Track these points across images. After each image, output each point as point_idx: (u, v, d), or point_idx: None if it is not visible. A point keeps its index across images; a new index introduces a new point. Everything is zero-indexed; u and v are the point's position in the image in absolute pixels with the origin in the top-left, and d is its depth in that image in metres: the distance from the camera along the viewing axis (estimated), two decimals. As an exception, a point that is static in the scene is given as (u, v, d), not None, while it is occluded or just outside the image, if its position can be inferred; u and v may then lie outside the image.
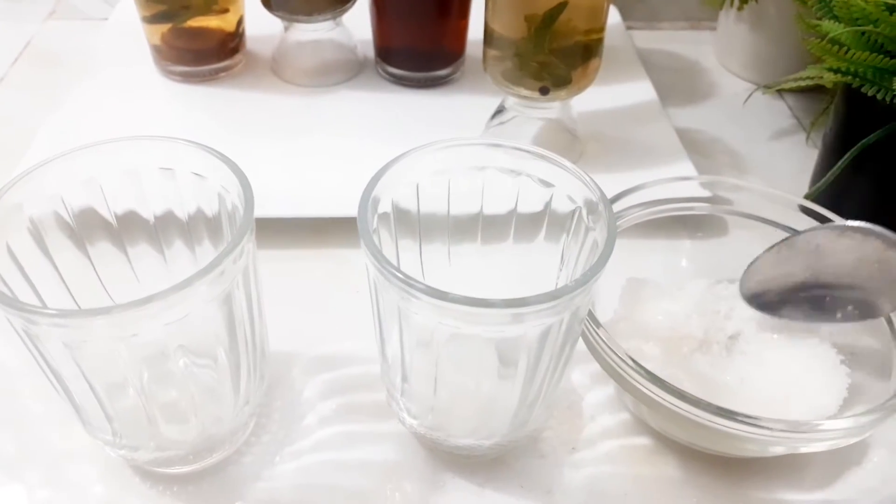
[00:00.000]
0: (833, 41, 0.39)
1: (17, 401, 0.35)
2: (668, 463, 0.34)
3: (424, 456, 0.33)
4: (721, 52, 0.61)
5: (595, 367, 0.34)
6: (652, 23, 0.66)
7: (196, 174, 0.31)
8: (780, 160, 0.51)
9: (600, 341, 0.32)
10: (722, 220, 0.41)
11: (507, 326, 0.26)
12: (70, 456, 0.33)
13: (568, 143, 0.48)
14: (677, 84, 0.58)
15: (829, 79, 0.39)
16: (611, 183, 0.31)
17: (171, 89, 0.54)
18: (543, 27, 0.42)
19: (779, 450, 0.31)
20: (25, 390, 0.35)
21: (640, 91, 0.54)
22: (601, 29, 0.44)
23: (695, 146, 0.51)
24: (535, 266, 0.34)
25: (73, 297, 0.31)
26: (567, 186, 0.31)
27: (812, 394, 0.34)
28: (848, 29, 0.38)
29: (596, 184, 0.29)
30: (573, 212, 0.31)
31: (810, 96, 0.55)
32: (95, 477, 0.32)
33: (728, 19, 0.58)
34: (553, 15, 0.41)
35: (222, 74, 0.55)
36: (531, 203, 0.33)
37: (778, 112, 0.56)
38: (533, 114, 0.47)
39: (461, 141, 0.32)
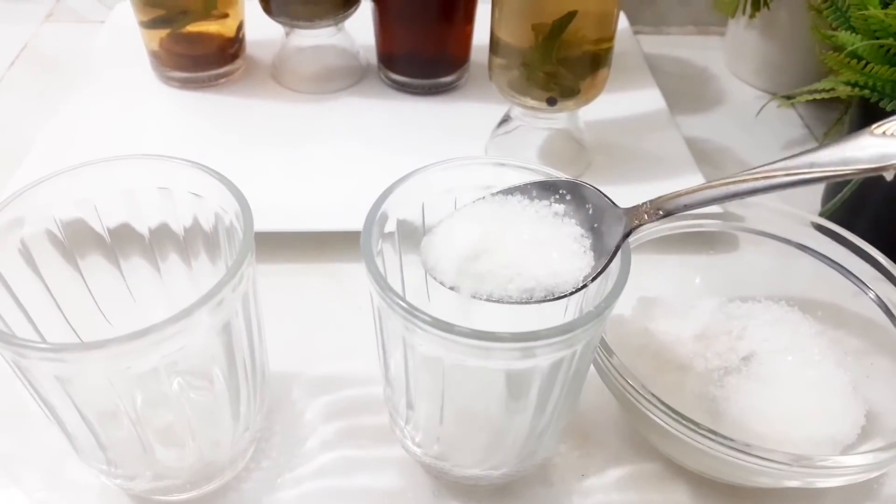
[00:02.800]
0: (851, 54, 0.37)
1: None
2: (678, 490, 0.33)
3: (429, 483, 0.32)
4: (730, 58, 0.60)
5: (603, 390, 0.33)
6: (660, 28, 0.64)
7: (193, 194, 0.30)
8: (792, 171, 0.50)
9: (612, 369, 0.31)
10: (733, 237, 0.40)
11: (517, 361, 0.25)
12: (65, 485, 0.32)
13: (575, 153, 0.47)
14: (685, 91, 0.57)
15: (844, 92, 0.38)
16: (620, 195, 0.30)
17: (170, 96, 0.53)
18: (552, 37, 0.41)
19: (793, 483, 0.30)
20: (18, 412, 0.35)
21: (648, 99, 0.53)
22: (611, 38, 0.42)
23: (704, 156, 0.50)
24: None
25: (65, 317, 0.30)
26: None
27: (829, 421, 0.33)
28: (866, 42, 0.37)
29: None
30: (584, 233, 0.30)
31: (823, 105, 0.54)
32: None
33: (738, 25, 0.57)
34: (562, 24, 0.40)
35: (222, 80, 0.54)
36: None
37: (789, 121, 0.54)
38: (539, 123, 0.46)
39: (468, 160, 0.31)
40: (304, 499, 0.32)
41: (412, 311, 0.24)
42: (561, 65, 0.42)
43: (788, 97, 0.44)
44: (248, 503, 0.31)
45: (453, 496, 0.32)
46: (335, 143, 0.49)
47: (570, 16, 0.40)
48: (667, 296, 0.38)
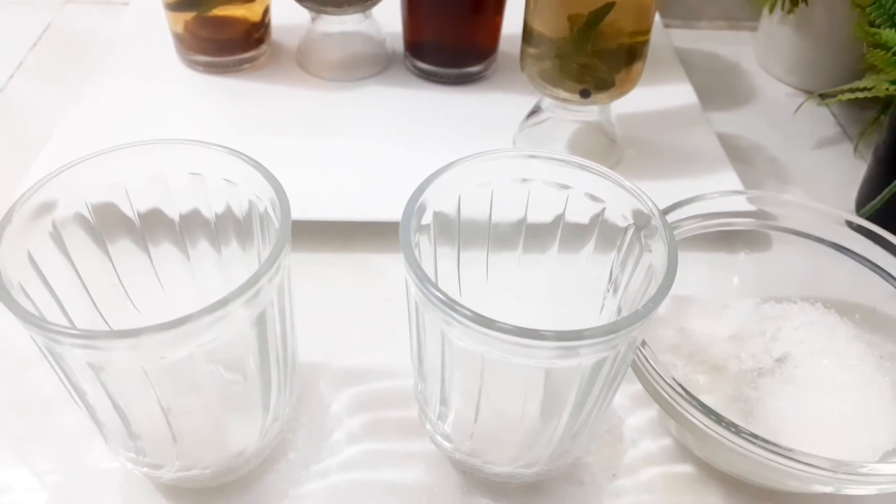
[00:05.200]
0: (897, 52, 0.37)
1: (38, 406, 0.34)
2: (711, 493, 0.32)
3: (457, 479, 0.32)
4: (762, 54, 0.59)
5: (636, 387, 0.33)
6: (690, 22, 0.63)
7: (227, 180, 0.29)
8: (825, 170, 0.49)
9: (647, 365, 0.30)
10: (766, 236, 0.40)
11: (559, 359, 0.24)
12: (88, 467, 0.32)
13: (606, 147, 0.46)
14: (716, 87, 0.56)
15: (885, 91, 0.37)
16: (651, 191, 0.30)
17: (193, 80, 0.52)
18: (587, 28, 0.40)
19: (825, 489, 0.29)
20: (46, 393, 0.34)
21: (679, 93, 0.52)
22: (647, 31, 0.42)
23: (735, 153, 0.49)
24: (579, 281, 0.32)
25: (93, 302, 0.30)
26: (619, 202, 0.29)
27: (866, 427, 0.32)
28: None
29: (654, 203, 0.28)
30: (625, 229, 0.29)
31: (856, 103, 0.53)
32: (116, 489, 0.31)
33: (771, 21, 0.56)
34: (598, 15, 0.39)
35: (246, 66, 0.53)
36: (577, 216, 0.31)
37: (822, 119, 0.53)
38: (570, 116, 0.45)
39: (505, 153, 0.30)
40: (329, 491, 0.31)
41: (452, 306, 0.24)
42: (596, 57, 0.41)
43: (828, 95, 0.43)
44: (274, 494, 0.31)
45: (482, 493, 0.31)
46: (360, 132, 0.48)
47: (608, 7, 0.39)
48: (700, 295, 0.37)
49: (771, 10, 0.52)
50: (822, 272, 0.38)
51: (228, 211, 0.31)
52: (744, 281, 0.39)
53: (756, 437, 0.28)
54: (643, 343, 0.30)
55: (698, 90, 0.52)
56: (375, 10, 0.52)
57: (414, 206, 0.27)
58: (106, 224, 0.30)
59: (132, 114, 0.48)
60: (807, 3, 0.50)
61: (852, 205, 0.46)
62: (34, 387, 0.34)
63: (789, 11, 0.50)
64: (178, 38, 0.52)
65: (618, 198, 0.29)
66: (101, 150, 0.28)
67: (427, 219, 0.29)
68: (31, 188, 0.27)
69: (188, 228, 0.32)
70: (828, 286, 0.38)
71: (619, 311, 0.30)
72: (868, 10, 0.40)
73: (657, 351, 0.33)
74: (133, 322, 0.30)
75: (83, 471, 0.32)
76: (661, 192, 0.36)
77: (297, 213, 0.39)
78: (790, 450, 0.27)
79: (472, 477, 0.32)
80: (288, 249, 0.26)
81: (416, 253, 0.27)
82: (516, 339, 0.23)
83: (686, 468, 0.33)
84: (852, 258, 0.37)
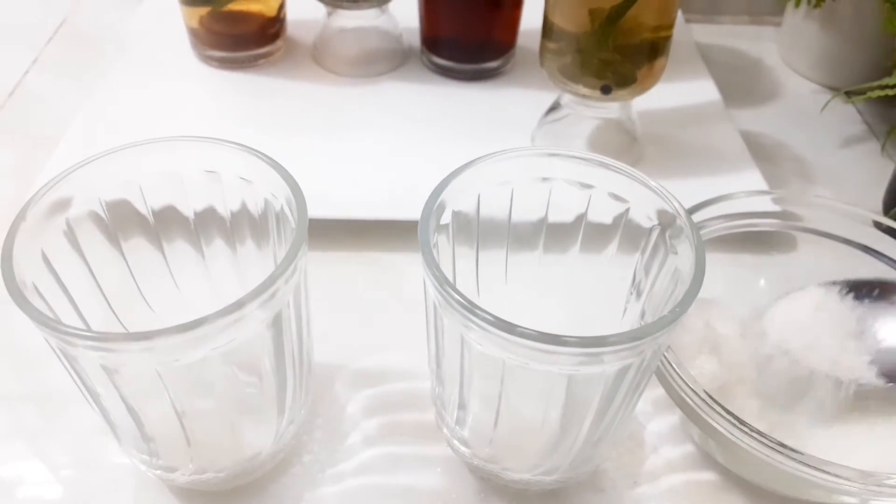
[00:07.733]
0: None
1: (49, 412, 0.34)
2: (734, 501, 0.31)
3: (475, 485, 0.31)
4: (786, 50, 0.57)
5: (658, 392, 0.32)
6: (711, 16, 0.62)
7: (243, 178, 0.29)
8: (851, 170, 0.48)
9: (671, 369, 0.29)
10: (791, 237, 0.39)
11: (582, 366, 0.23)
12: (104, 464, 0.31)
13: (626, 144, 0.45)
14: (739, 83, 0.55)
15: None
16: (673, 191, 0.29)
17: (208, 75, 0.52)
18: (609, 23, 0.39)
19: (849, 500, 0.28)
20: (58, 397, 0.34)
21: (701, 90, 0.51)
22: (670, 26, 0.41)
23: (759, 152, 0.48)
24: (601, 283, 0.32)
25: (107, 301, 0.30)
26: (643, 202, 0.28)
27: (894, 437, 0.31)
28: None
29: (679, 203, 0.27)
30: (649, 230, 0.29)
31: (884, 101, 0.51)
32: (130, 491, 0.31)
33: (796, 16, 0.55)
34: (620, 10, 0.39)
35: (261, 61, 0.53)
36: (600, 216, 0.30)
37: (847, 117, 0.52)
38: (590, 113, 0.44)
39: (527, 151, 0.29)
40: (345, 495, 0.31)
41: (472, 309, 0.23)
42: (617, 52, 0.40)
43: (855, 92, 0.42)
44: (289, 498, 0.31)
45: (499, 499, 0.31)
46: (376, 129, 0.48)
47: (630, 1, 0.38)
48: (724, 297, 0.36)
49: (796, 5, 0.51)
50: (848, 274, 0.37)
51: (244, 209, 0.30)
52: (769, 283, 0.38)
53: (782, 445, 0.27)
54: (669, 349, 0.29)
55: (721, 86, 0.51)
56: (392, 5, 0.52)
57: (433, 205, 0.27)
58: (120, 222, 0.30)
59: (147, 109, 0.48)
60: (834, -2, 0.49)
61: (880, 205, 0.45)
62: (51, 381, 0.34)
63: (815, 6, 0.49)
64: (193, 33, 0.52)
65: (642, 197, 0.28)
66: (115, 148, 0.28)
67: (446, 218, 0.28)
68: (44, 186, 0.26)
69: (203, 226, 0.31)
70: (855, 289, 0.37)
71: (643, 314, 0.29)
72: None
73: (680, 355, 0.32)
74: (147, 321, 0.29)
75: (98, 467, 0.31)
76: (682, 191, 0.34)
77: (313, 211, 0.39)
78: (817, 459, 0.27)
79: (489, 483, 0.31)
80: (305, 249, 0.26)
81: (435, 253, 0.27)
82: (538, 344, 0.23)
83: (708, 475, 0.32)
84: (880, 260, 0.36)
